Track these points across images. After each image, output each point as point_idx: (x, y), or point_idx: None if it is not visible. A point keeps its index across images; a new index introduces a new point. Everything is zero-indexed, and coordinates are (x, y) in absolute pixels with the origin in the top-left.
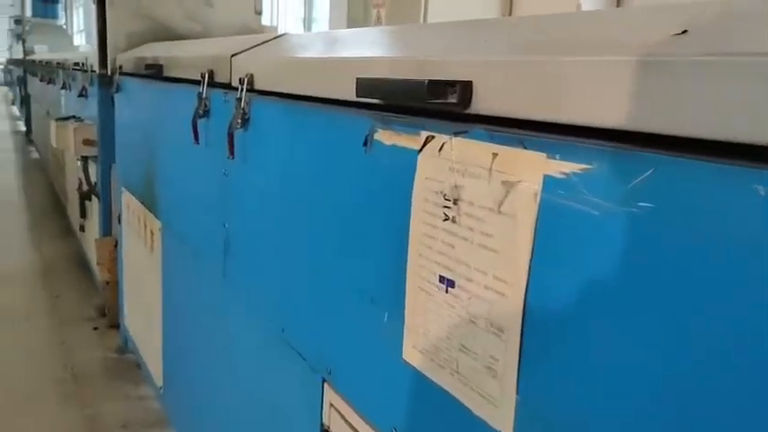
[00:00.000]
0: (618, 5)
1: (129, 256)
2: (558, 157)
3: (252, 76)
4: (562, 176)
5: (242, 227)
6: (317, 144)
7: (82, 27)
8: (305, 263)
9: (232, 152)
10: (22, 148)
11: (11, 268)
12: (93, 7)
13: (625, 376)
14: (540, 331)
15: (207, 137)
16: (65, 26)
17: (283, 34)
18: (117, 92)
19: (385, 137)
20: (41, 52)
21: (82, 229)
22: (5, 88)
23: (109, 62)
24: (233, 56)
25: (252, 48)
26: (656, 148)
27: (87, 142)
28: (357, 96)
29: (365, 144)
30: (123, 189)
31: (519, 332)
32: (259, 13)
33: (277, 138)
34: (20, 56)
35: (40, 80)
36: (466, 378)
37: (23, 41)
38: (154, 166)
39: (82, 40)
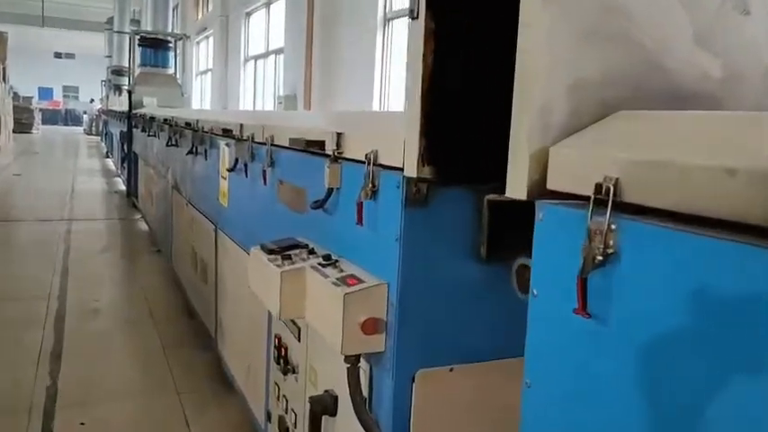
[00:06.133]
0: None
1: None
2: None
3: None
4: None
5: None
6: None
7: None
8: None
9: None
10: (125, 213)
11: None
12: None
13: None
14: None
15: None
16: (174, 75)
17: None
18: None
19: None
20: (150, 105)
21: None
22: (97, 138)
23: (522, 162)
24: None
25: None
26: None
27: (371, 327)
28: None
29: None
30: None
31: None
32: None
33: None
34: (117, 107)
35: (168, 144)
36: None
37: (130, 93)
38: None
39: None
